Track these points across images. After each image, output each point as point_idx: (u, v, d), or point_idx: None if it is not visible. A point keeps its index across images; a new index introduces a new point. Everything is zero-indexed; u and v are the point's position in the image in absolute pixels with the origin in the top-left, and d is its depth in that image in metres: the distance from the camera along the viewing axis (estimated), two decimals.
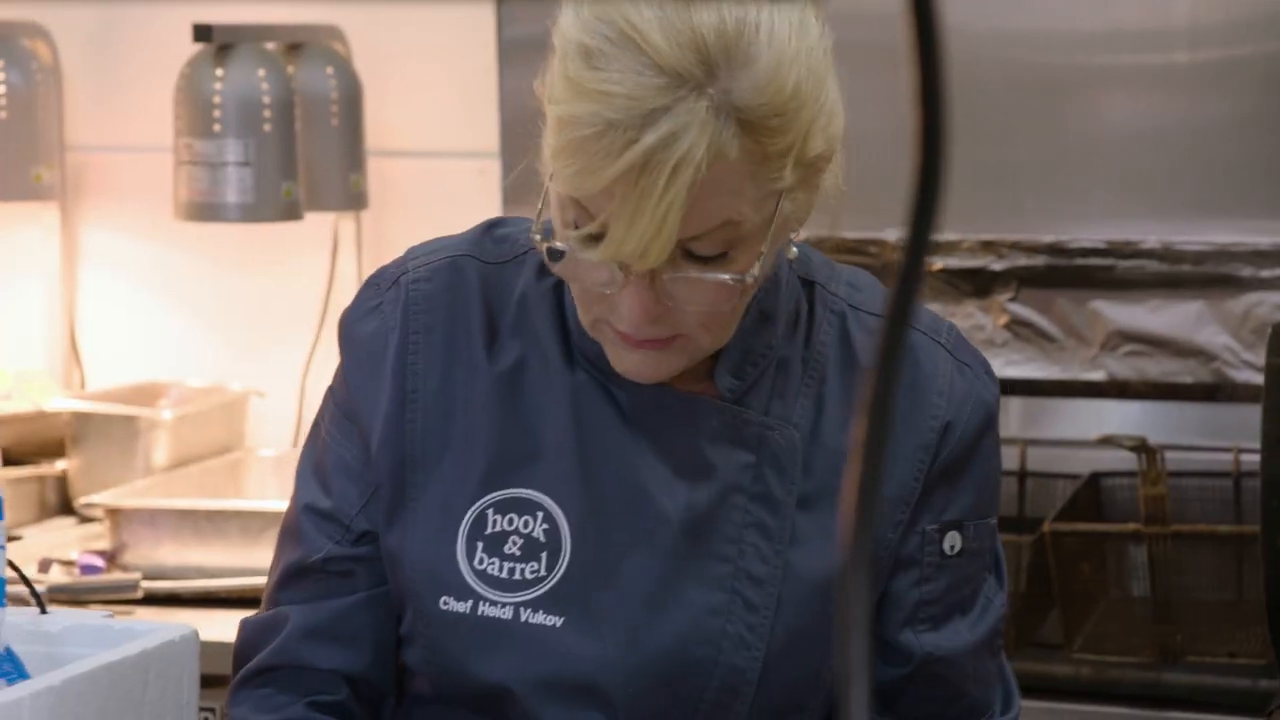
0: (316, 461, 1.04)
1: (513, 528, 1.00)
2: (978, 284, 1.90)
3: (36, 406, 1.96)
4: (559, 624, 0.97)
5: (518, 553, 1.00)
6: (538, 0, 1.87)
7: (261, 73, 1.91)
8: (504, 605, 0.99)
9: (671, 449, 1.00)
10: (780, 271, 1.00)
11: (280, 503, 1.61)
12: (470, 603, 0.98)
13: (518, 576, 0.99)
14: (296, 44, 1.98)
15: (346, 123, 2.00)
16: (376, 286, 1.03)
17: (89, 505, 1.91)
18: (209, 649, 1.12)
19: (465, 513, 0.99)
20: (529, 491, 1.00)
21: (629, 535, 1.00)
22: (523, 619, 0.98)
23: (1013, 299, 1.89)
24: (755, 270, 0.94)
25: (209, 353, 2.18)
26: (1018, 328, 1.85)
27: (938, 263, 1.84)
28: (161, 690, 1.05)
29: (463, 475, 1.01)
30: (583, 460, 1.00)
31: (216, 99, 1.92)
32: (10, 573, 1.04)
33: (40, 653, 1.03)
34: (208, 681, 1.13)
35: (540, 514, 1.00)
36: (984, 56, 1.81)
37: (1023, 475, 1.74)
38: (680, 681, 0.98)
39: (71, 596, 1.66)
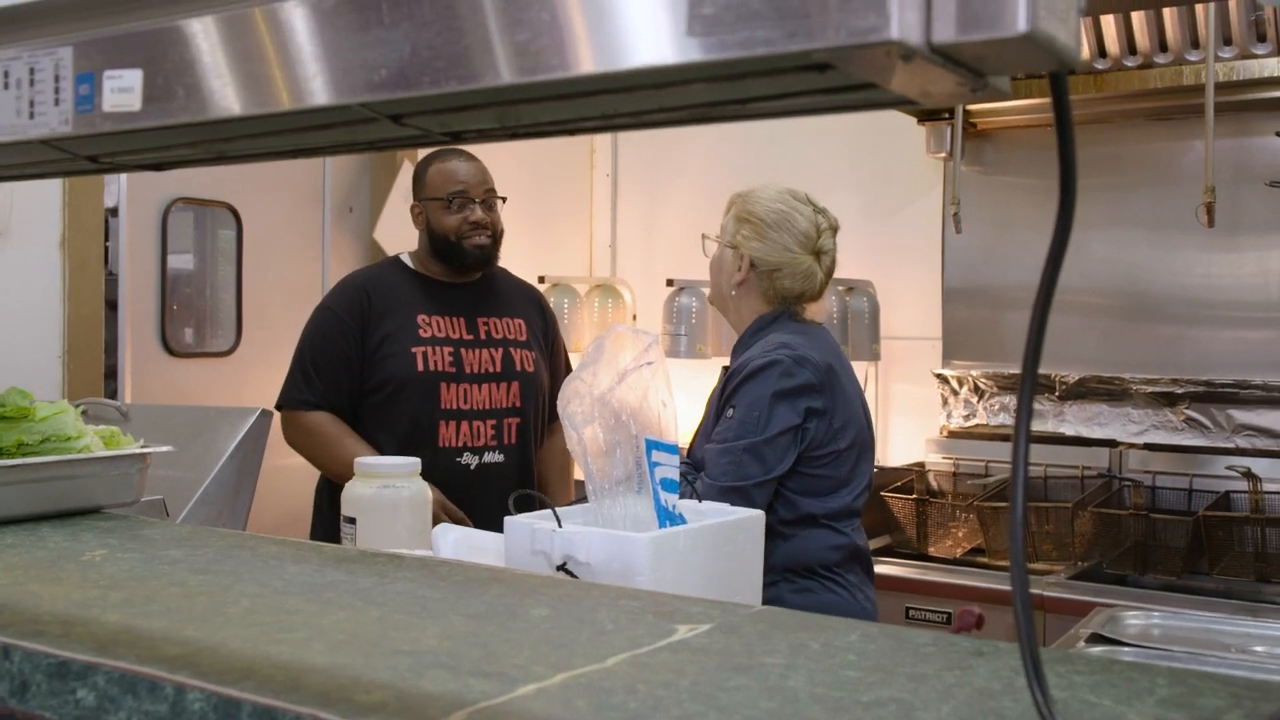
0: None
1: None
2: (1169, 400, 3.14)
3: None
4: None
5: None
6: None
7: None
8: None
9: None
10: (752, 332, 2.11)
11: None
12: None
13: None
14: None
15: None
16: None
17: None
18: None
19: None
20: None
21: None
22: None
23: (1188, 407, 3.11)
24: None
25: None
26: (1191, 421, 3.10)
27: (1149, 389, 3.09)
28: (746, 543, 1.48)
29: None
30: None
31: None
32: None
33: (692, 509, 1.53)
34: None
35: None
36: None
37: (1190, 491, 3.11)
38: None
39: None
